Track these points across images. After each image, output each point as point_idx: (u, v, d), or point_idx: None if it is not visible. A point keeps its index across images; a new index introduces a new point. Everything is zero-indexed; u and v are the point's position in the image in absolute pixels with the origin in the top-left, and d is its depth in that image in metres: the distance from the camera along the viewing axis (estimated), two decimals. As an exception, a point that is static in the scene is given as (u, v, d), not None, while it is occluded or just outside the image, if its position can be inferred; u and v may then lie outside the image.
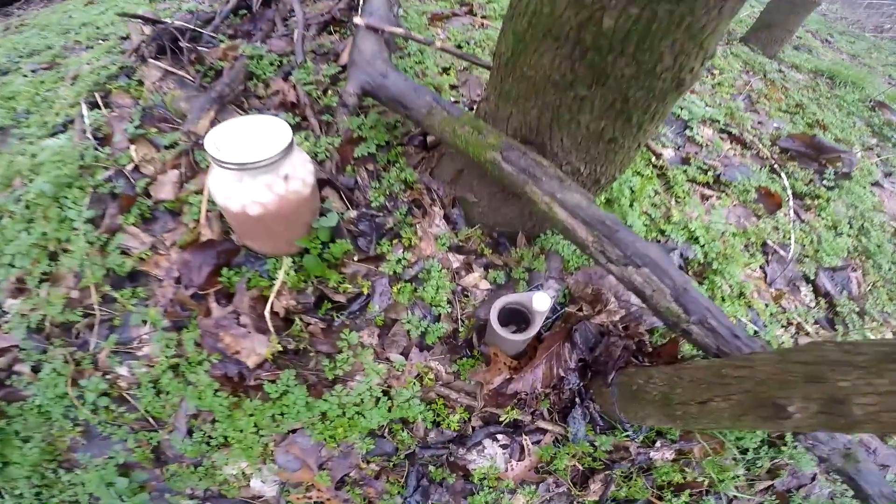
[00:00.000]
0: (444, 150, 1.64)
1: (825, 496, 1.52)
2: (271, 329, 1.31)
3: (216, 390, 1.29)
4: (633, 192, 1.82)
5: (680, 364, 1.11)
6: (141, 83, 1.69)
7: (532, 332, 1.20)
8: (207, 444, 1.26)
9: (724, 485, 1.39)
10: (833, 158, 2.23)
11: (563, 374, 1.31)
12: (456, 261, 1.51)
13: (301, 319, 1.35)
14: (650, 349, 1.34)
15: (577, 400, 1.36)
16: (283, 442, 1.35)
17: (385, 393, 1.33)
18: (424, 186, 1.64)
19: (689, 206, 1.88)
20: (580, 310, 1.39)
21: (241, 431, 1.27)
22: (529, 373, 1.28)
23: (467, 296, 1.48)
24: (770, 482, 1.48)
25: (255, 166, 1.10)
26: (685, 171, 1.98)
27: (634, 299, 1.43)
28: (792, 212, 2.02)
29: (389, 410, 1.29)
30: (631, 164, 1.76)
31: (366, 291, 1.37)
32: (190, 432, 1.28)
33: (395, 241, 1.49)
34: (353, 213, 1.54)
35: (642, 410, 1.19)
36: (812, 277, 1.91)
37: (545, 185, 1.21)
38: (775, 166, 2.16)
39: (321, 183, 1.53)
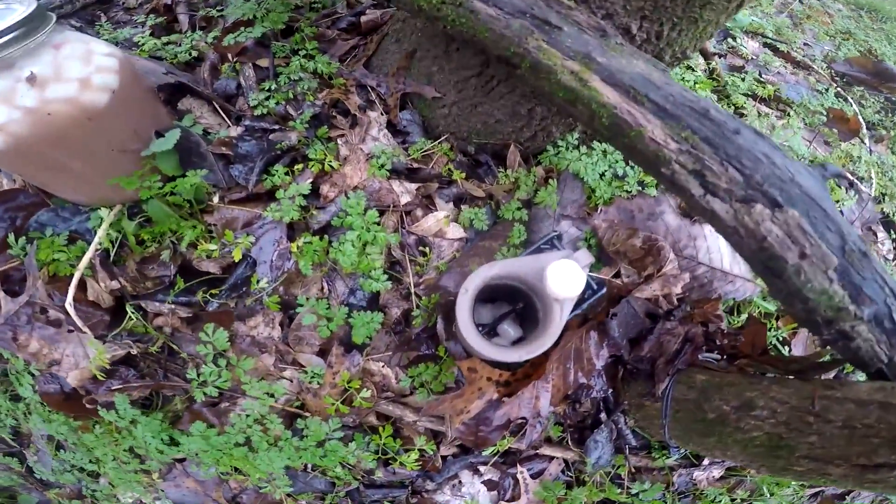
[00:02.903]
0: (386, 30, 1.05)
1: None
2: (83, 328, 0.77)
3: (50, 411, 0.91)
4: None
5: (823, 389, 0.57)
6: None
7: (543, 344, 0.62)
8: (79, 470, 0.99)
9: (772, 498, 1.10)
10: (902, 87, 1.76)
11: (583, 379, 0.79)
12: (406, 193, 0.91)
13: (141, 307, 0.80)
14: (724, 338, 0.79)
15: (603, 414, 0.85)
16: (170, 474, 0.98)
17: (292, 420, 0.83)
18: (354, 82, 1.01)
19: (753, 122, 1.48)
20: (617, 275, 0.81)
21: (95, 462, 0.95)
22: (531, 390, 0.75)
23: (426, 252, 0.90)
24: (820, 488, 1.19)
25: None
26: (743, 79, 1.58)
27: (703, 255, 0.85)
28: (868, 141, 1.69)
29: (298, 451, 0.79)
30: (713, 35, 1.13)
31: (238, 257, 0.79)
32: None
33: (298, 168, 0.88)
34: (233, 131, 0.93)
35: (722, 450, 0.68)
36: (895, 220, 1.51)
37: (568, 40, 0.58)
38: (839, 90, 1.82)
39: (177, 90, 0.97)
